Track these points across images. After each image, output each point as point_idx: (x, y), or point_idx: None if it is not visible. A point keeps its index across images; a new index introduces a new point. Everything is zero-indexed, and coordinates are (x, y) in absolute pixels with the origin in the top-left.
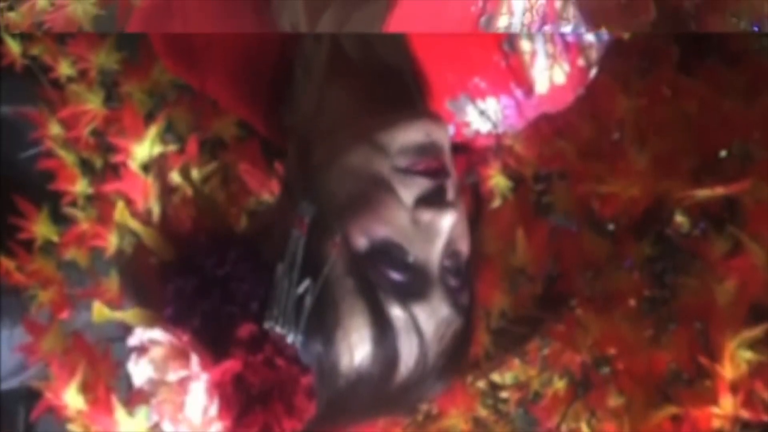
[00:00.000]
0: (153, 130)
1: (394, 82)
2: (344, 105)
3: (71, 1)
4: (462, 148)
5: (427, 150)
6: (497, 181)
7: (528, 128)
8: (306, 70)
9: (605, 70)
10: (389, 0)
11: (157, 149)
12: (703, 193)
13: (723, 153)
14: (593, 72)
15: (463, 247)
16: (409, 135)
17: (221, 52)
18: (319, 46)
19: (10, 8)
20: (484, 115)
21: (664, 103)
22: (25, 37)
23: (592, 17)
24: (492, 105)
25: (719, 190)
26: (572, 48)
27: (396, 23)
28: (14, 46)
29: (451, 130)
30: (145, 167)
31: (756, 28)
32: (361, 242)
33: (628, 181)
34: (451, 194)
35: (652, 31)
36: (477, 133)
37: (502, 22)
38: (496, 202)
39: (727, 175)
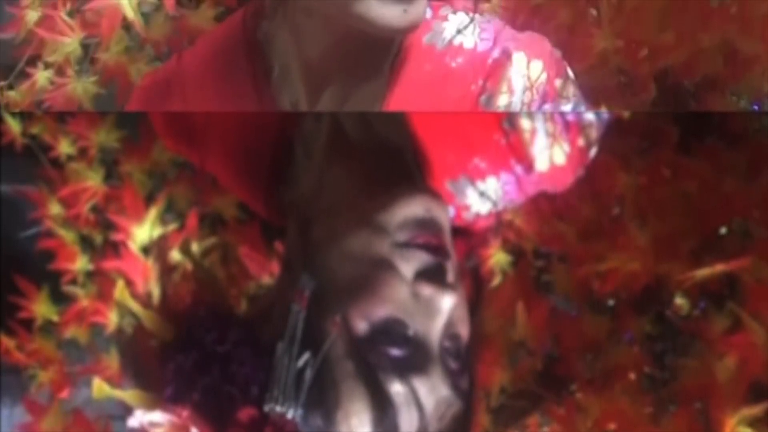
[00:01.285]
0: (153, 212)
1: (394, 162)
2: (344, 184)
3: (71, 80)
4: (462, 232)
5: (427, 225)
6: (497, 257)
7: (528, 204)
8: (306, 149)
9: (605, 149)
10: (389, 79)
11: (158, 231)
12: (703, 272)
13: (723, 231)
14: (593, 151)
15: (463, 330)
16: (409, 209)
17: (221, 131)
18: (319, 125)
19: (10, 87)
20: (484, 196)
21: (664, 183)
22: (25, 116)
23: (592, 96)
24: (492, 184)
25: (719, 268)
26: (572, 127)
27: (396, 102)
28: (14, 125)
29: (451, 211)
30: (145, 249)
31: (756, 108)
32: (361, 326)
33: (628, 256)
34: (451, 276)
35: (652, 110)
36: (477, 215)
37: (502, 101)
38: (497, 280)
39: (727, 253)
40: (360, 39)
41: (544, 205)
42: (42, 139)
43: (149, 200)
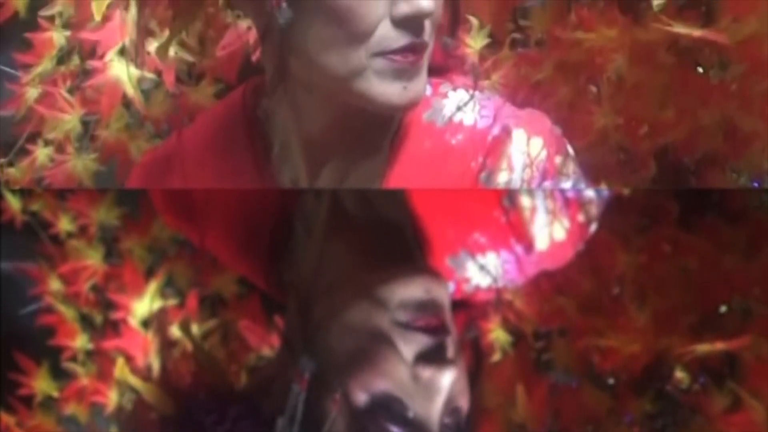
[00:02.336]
0: (153, 286)
1: (394, 238)
2: (344, 260)
3: (71, 157)
4: (462, 304)
5: (427, 307)
6: (497, 335)
7: (528, 285)
8: (306, 226)
9: (605, 225)
10: (389, 155)
11: (157, 304)
12: (703, 348)
13: (723, 308)
14: (593, 227)
15: (463, 403)
16: (409, 290)
17: (220, 208)
18: (319, 202)
19: (10, 164)
20: (484, 270)
21: (664, 259)
22: (25, 193)
23: (592, 173)
24: (492, 260)
25: (719, 346)
26: (572, 204)
27: (396, 179)
28: (14, 202)
29: (451, 287)
30: (145, 323)
31: (756, 185)
32: (361, 398)
33: (628, 337)
34: (451, 351)
35: (652, 186)
36: (477, 288)
37: (502, 178)
38: (497, 356)
39: (728, 330)
40: (360, 116)
41: (544, 284)
42: (42, 216)
43: (149, 275)
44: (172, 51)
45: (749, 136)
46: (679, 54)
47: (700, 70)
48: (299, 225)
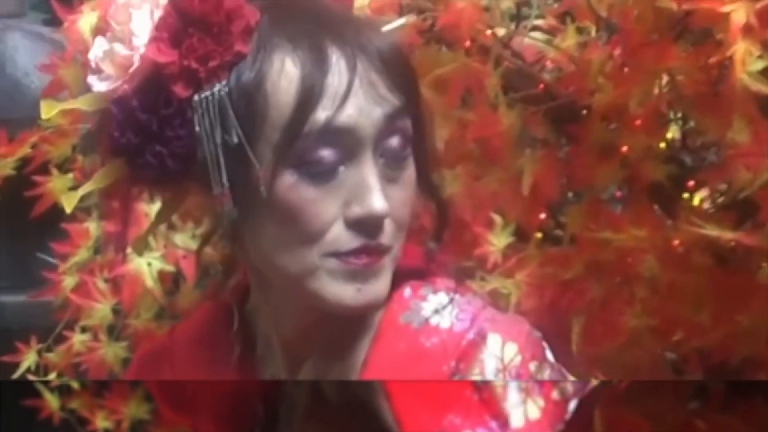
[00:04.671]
0: None
1: (371, 423)
2: None
3: (103, 344)
4: None
5: None
6: None
7: None
8: (288, 414)
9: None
10: (365, 356)
11: None
12: None
13: None
14: (572, 405)
15: None
16: None
17: (210, 397)
18: (300, 389)
19: (49, 349)
20: None
21: None
22: (63, 391)
23: (622, 373)
24: None
25: None
26: (545, 384)
27: (371, 376)
28: (53, 401)
29: None
30: None
31: None
32: None
33: None
34: None
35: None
36: None
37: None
38: None
39: None
40: (334, 318)
41: None
42: (79, 413)
43: None
44: (191, 243)
45: None
46: (717, 255)
47: None
48: (283, 413)
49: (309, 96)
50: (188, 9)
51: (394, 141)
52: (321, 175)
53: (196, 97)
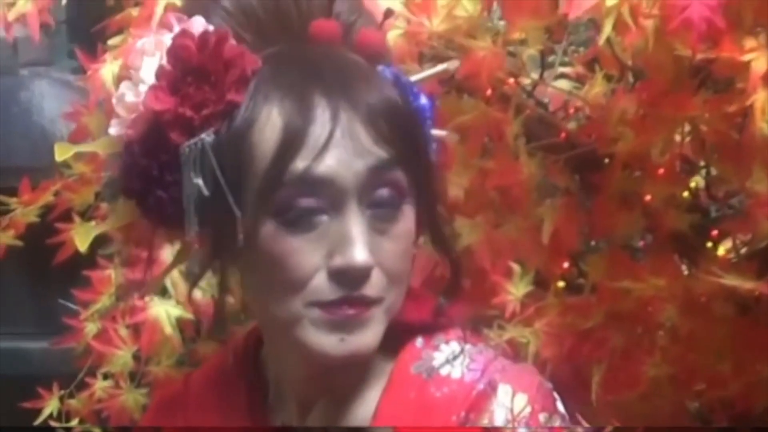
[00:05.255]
0: None
1: None
2: None
3: (124, 391)
4: None
5: None
6: None
7: None
8: None
9: None
10: (375, 405)
11: None
12: None
13: None
14: None
15: None
16: None
17: None
18: None
19: (71, 396)
20: None
21: None
22: None
23: (640, 420)
24: None
25: None
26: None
27: (382, 422)
28: None
29: None
30: None
31: None
32: None
33: None
34: None
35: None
36: None
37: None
38: None
39: None
40: (339, 367)
41: None
42: None
43: None
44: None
45: None
46: (738, 305)
47: None
48: None
49: (289, 145)
50: (186, 57)
51: (383, 193)
52: (303, 224)
53: (183, 146)
